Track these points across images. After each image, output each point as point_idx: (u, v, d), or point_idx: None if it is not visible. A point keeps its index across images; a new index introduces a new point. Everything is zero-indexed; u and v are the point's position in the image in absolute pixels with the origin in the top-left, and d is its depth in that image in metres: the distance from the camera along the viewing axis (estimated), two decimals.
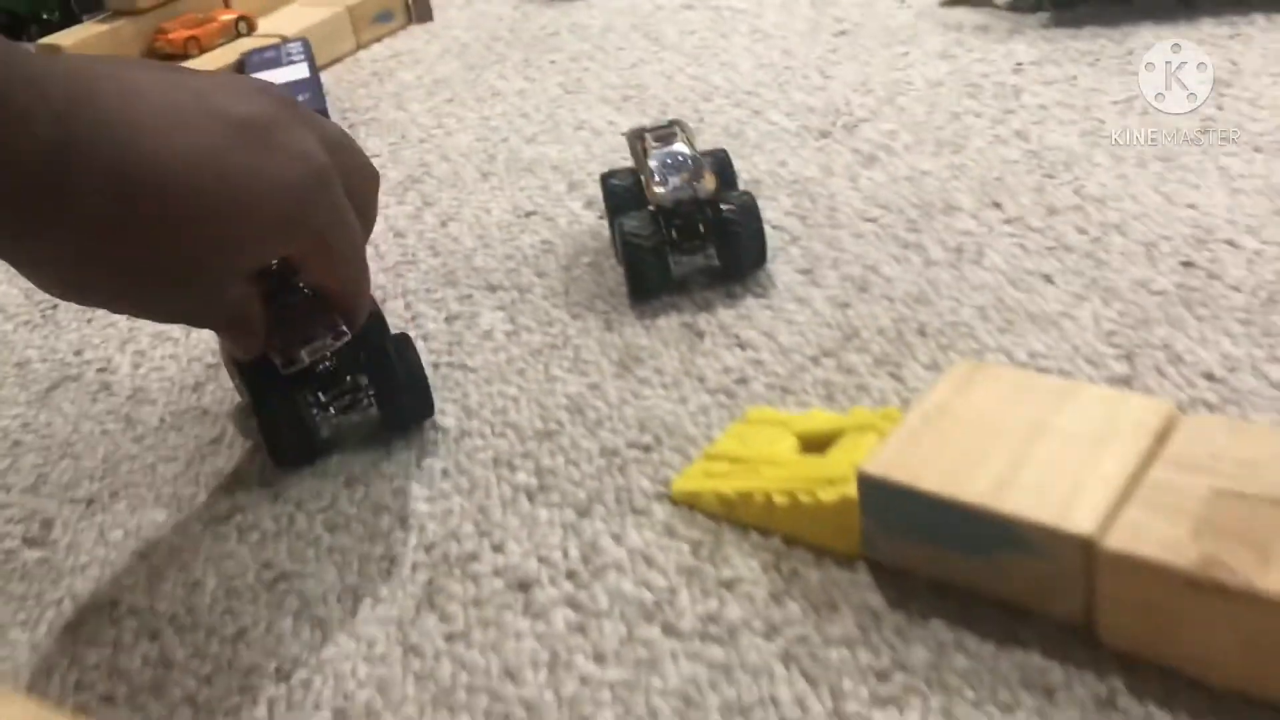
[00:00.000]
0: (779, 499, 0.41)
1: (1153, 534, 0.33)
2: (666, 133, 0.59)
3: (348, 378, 0.49)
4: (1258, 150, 0.61)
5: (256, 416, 0.49)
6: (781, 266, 0.58)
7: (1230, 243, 0.53)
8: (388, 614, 0.41)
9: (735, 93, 0.80)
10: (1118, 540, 0.33)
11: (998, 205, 0.60)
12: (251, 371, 0.48)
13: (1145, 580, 0.33)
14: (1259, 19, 0.76)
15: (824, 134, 0.72)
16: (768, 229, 0.60)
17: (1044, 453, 0.37)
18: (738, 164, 0.68)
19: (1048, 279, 0.53)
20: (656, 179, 0.56)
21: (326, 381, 0.49)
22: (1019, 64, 0.76)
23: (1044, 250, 0.55)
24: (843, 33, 0.88)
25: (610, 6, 1.04)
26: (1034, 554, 0.35)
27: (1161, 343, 0.48)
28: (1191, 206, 0.57)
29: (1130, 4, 0.81)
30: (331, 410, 0.49)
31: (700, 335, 0.54)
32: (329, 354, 0.47)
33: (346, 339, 0.46)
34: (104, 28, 0.95)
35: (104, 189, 0.37)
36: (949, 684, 0.35)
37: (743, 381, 0.50)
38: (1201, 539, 0.33)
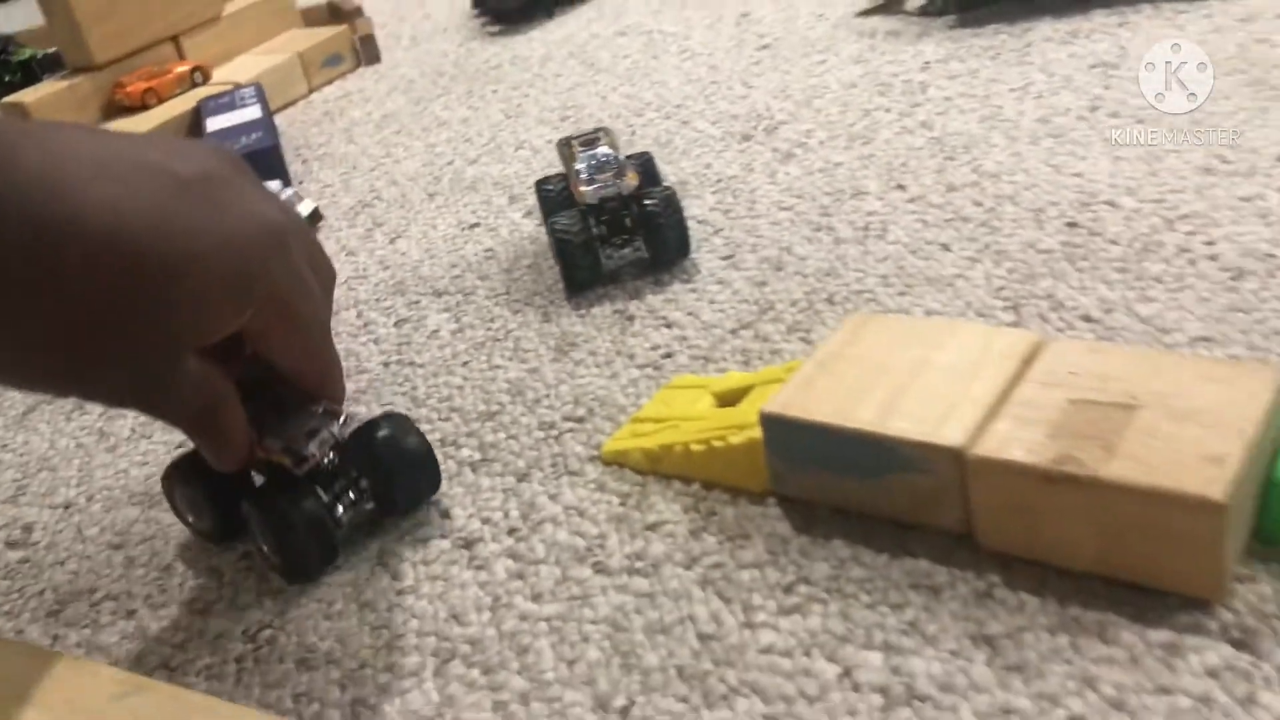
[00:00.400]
0: (696, 447, 0.45)
1: (1014, 441, 0.37)
2: (591, 138, 0.63)
3: (352, 472, 0.45)
4: (1140, 122, 0.65)
5: (271, 536, 0.44)
6: (706, 255, 0.63)
7: (1111, 203, 0.58)
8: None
9: (665, 106, 0.85)
10: (983, 448, 0.37)
11: (902, 187, 0.65)
12: (235, 490, 0.44)
13: (1009, 482, 0.37)
14: (1145, 8, 0.81)
15: (746, 137, 0.76)
16: (693, 223, 0.65)
17: (924, 383, 0.41)
18: (666, 169, 0.73)
19: (945, 247, 0.58)
20: (583, 179, 0.60)
21: (328, 479, 0.44)
22: (926, 62, 0.81)
23: (942, 222, 0.60)
24: (765, 47, 0.93)
25: (549, 38, 1.09)
26: (916, 470, 0.39)
27: (1045, 293, 0.52)
28: (1078, 175, 0.61)
29: (1031, 2, 0.86)
30: (340, 510, 0.44)
31: (630, 319, 0.58)
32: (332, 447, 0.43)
33: (348, 424, 0.43)
34: (63, 84, 0.99)
35: (25, 248, 0.33)
36: (846, 591, 0.39)
37: (669, 355, 0.54)
38: (1056, 441, 0.37)
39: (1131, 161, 0.61)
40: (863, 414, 0.40)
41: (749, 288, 0.58)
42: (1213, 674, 0.33)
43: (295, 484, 0.43)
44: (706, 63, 0.92)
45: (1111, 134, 0.65)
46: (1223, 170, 0.59)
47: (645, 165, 0.65)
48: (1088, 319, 0.50)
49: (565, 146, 0.64)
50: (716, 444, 0.44)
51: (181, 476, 0.47)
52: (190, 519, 0.48)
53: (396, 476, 0.45)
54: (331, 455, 0.43)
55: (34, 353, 0.36)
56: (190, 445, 0.43)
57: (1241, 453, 0.34)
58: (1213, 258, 0.52)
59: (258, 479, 0.45)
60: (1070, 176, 0.61)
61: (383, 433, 0.45)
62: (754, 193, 0.68)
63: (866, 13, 0.94)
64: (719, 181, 0.71)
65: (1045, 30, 0.82)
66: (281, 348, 0.41)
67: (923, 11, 0.91)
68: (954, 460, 0.38)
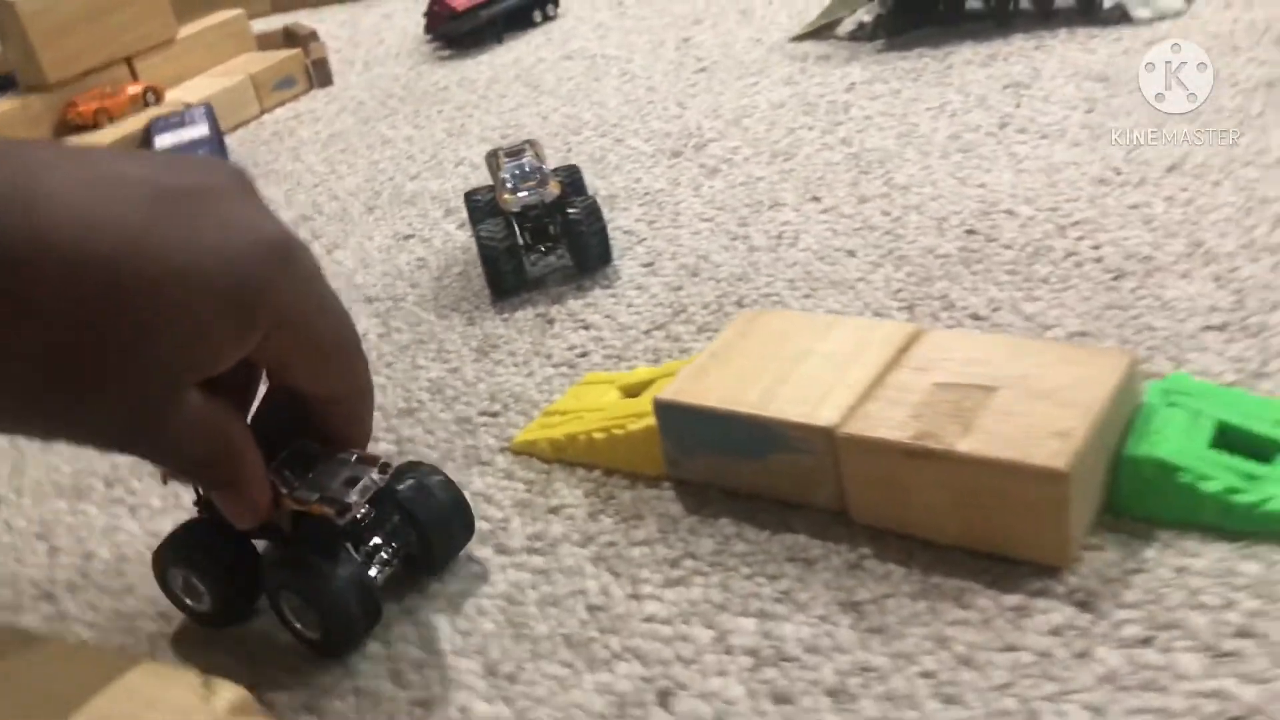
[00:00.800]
0: (597, 436, 0.47)
1: (880, 420, 0.40)
2: (518, 149, 0.65)
3: (389, 525, 0.41)
4: (1044, 137, 0.69)
5: (311, 604, 0.39)
6: (628, 263, 0.65)
7: (1009, 211, 0.61)
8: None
9: (602, 125, 0.88)
10: (852, 427, 0.40)
11: (817, 199, 0.67)
12: (241, 565, 0.41)
13: (876, 458, 0.39)
14: (1062, 33, 0.84)
15: (676, 154, 0.79)
16: (619, 233, 0.68)
17: (806, 371, 0.44)
18: (598, 183, 0.75)
19: (851, 253, 0.60)
20: (508, 188, 0.63)
21: (358, 535, 0.40)
22: (852, 84, 0.84)
23: (851, 231, 0.63)
24: (702, 70, 0.96)
25: (497, 62, 1.12)
26: (795, 450, 0.41)
27: (940, 294, 0.55)
28: (981, 186, 0.64)
29: (955, 26, 0.90)
30: (375, 570, 0.40)
31: (551, 322, 0.60)
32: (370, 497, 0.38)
33: (390, 470, 0.39)
34: (16, 103, 1.01)
35: None
36: (728, 565, 0.41)
37: (584, 355, 0.57)
38: (919, 419, 0.39)
39: (1033, 173, 0.64)
40: (747, 399, 0.43)
41: (665, 292, 0.61)
42: (1055, 632, 0.35)
43: (329, 543, 0.38)
44: (645, 84, 0.95)
45: (1016, 149, 0.68)
46: (1116, 181, 0.62)
47: (572, 177, 0.68)
48: (976, 316, 0.52)
49: (493, 158, 0.66)
50: (616, 432, 0.47)
51: (175, 555, 0.42)
52: (189, 603, 0.42)
53: (434, 531, 0.42)
54: (367, 508, 0.39)
55: (10, 389, 0.31)
56: (181, 521, 0.42)
57: (1087, 428, 0.37)
58: (1097, 260, 0.54)
59: (260, 545, 0.42)
60: (974, 188, 0.64)
61: (413, 483, 0.42)
62: (679, 205, 0.71)
63: (800, 38, 0.97)
64: (646, 195, 0.73)
65: (966, 54, 0.85)
66: (307, 374, 0.36)
67: (853, 37, 0.94)
68: (827, 439, 0.40)
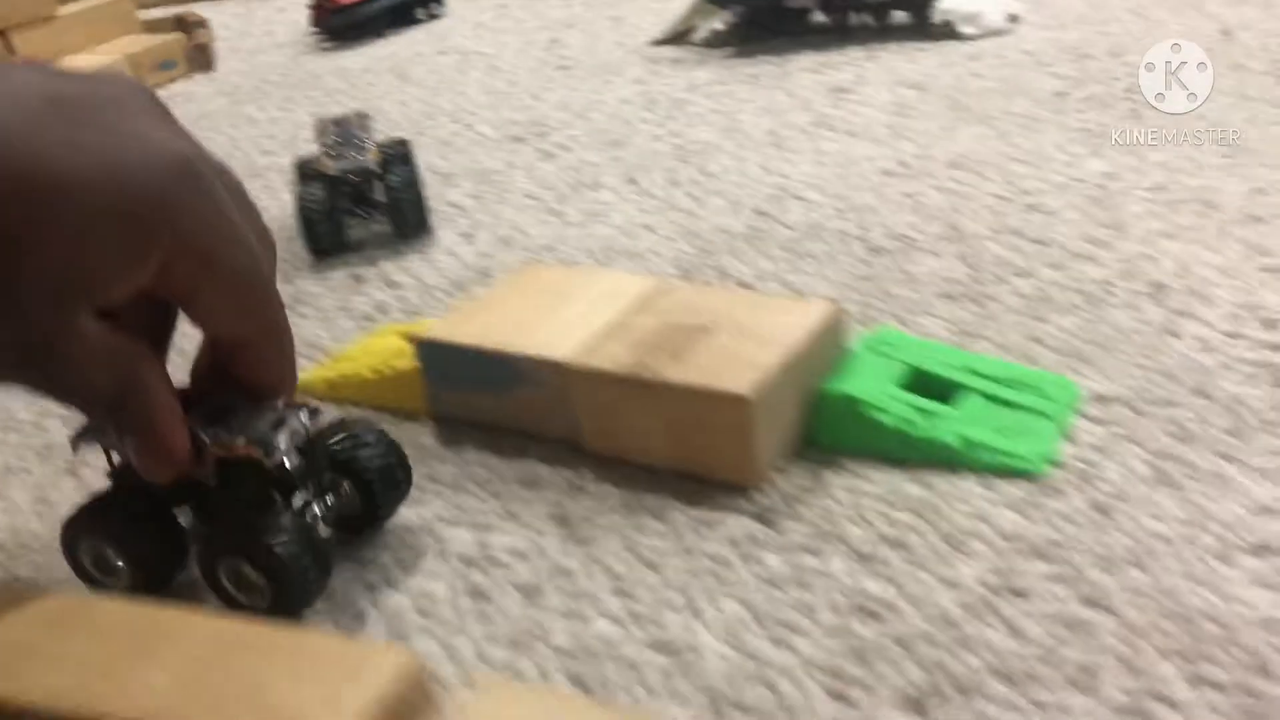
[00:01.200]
0: (368, 375, 0.50)
1: (605, 354, 0.43)
2: (343, 119, 0.68)
3: (325, 475, 0.38)
4: (851, 135, 0.73)
5: (255, 561, 0.35)
6: (447, 232, 0.68)
7: (799, 197, 0.65)
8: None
9: (458, 113, 0.91)
10: (579, 360, 0.43)
11: (635, 182, 0.71)
12: (161, 528, 0.38)
13: (597, 387, 0.43)
14: (892, 45, 0.89)
15: (518, 140, 0.82)
16: (448, 207, 0.71)
17: (557, 316, 0.47)
18: (440, 162, 0.79)
19: (650, 229, 0.64)
20: (329, 154, 0.65)
21: (290, 485, 0.37)
22: (695, 84, 0.89)
23: (656, 210, 0.66)
24: (563, 68, 1.00)
25: (375, 54, 1.15)
26: (534, 385, 0.45)
27: (717, 266, 0.58)
28: (783, 175, 0.68)
29: (800, 38, 0.94)
30: (321, 520, 0.37)
31: (361, 280, 0.63)
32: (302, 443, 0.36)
33: (319, 414, 0.37)
34: None
35: None
36: (465, 487, 0.44)
37: (384, 311, 0.59)
38: (636, 353, 0.43)
39: (830, 166, 0.69)
40: (496, 337, 0.46)
41: (476, 258, 0.64)
42: (733, 542, 0.39)
43: (263, 497, 0.36)
44: (507, 79, 0.99)
45: (823, 145, 0.72)
46: (901, 173, 0.66)
47: (399, 150, 0.71)
48: (742, 284, 0.56)
49: (320, 126, 0.69)
50: (384, 371, 0.50)
51: (87, 526, 0.38)
52: (101, 575, 0.38)
53: (375, 482, 0.39)
54: (298, 456, 0.36)
55: None
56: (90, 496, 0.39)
57: (777, 361, 0.41)
58: (863, 240, 0.58)
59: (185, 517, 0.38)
60: (776, 176, 0.68)
61: (346, 437, 0.39)
62: (509, 184, 0.74)
63: (659, 43, 1.01)
64: (481, 174, 0.77)
65: (804, 62, 0.90)
66: (214, 310, 0.33)
67: (707, 44, 0.98)
68: (559, 373, 0.43)
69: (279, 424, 0.35)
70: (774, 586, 0.36)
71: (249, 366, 0.35)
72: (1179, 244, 0.53)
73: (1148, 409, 0.42)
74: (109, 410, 0.32)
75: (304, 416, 0.36)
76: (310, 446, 0.37)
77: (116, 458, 0.38)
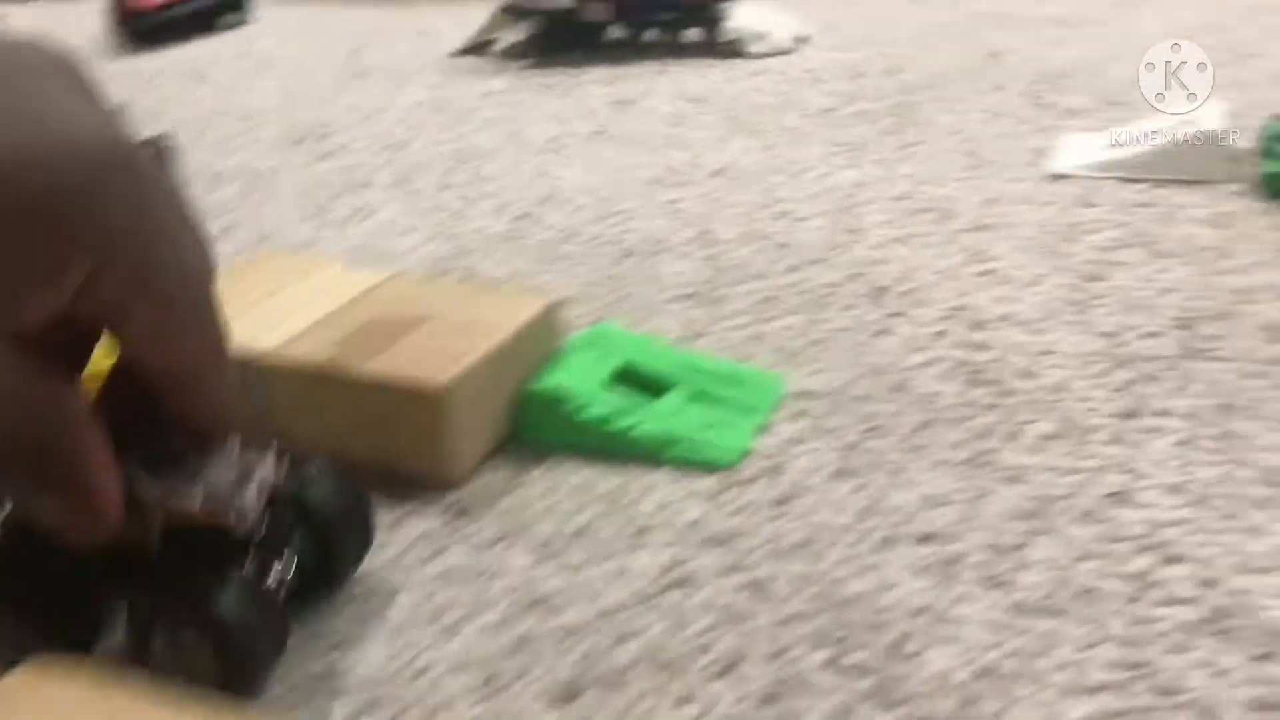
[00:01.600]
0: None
1: (307, 347, 0.42)
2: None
3: (287, 532, 0.32)
4: (628, 143, 0.73)
5: (205, 639, 0.29)
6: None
7: (566, 201, 0.65)
8: None
9: (246, 113, 0.88)
10: (275, 352, 0.41)
11: (406, 183, 0.70)
12: (75, 597, 0.30)
13: (294, 380, 0.41)
14: (687, 62, 0.91)
15: (298, 141, 0.80)
16: (213, 207, 0.68)
17: (272, 306, 0.45)
18: (215, 161, 0.76)
19: (412, 229, 0.63)
20: None
21: (244, 546, 0.30)
22: (488, 93, 0.88)
23: (421, 211, 0.65)
24: (361, 74, 0.98)
25: (176, 57, 1.12)
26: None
27: (466, 266, 0.58)
28: (557, 180, 0.68)
29: (597, 51, 0.95)
30: (280, 588, 0.31)
31: None
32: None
33: (283, 465, 0.30)
34: None
35: None
36: None
37: None
38: (338, 347, 0.41)
39: (602, 173, 0.69)
40: None
41: (230, 254, 0.62)
42: (425, 536, 0.38)
43: (215, 558, 0.29)
44: (305, 83, 0.97)
45: (600, 154, 0.72)
46: (668, 181, 0.66)
47: (161, 146, 0.68)
48: (490, 283, 0.55)
49: None
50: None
51: None
52: None
53: (336, 538, 0.33)
54: (268, 515, 0.30)
55: None
56: None
57: (480, 353, 0.40)
58: (618, 243, 0.59)
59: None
60: (550, 180, 0.68)
61: (313, 481, 0.33)
62: (278, 182, 0.72)
63: (460, 53, 1.01)
64: (252, 173, 0.74)
65: (598, 75, 0.90)
66: (148, 335, 0.26)
67: (507, 55, 0.98)
68: (259, 365, 0.42)
69: (245, 477, 0.28)
70: (447, 582, 0.35)
71: (186, 399, 0.28)
72: (908, 249, 0.55)
73: (847, 404, 0.42)
74: (20, 461, 0.25)
75: (270, 465, 0.29)
76: (273, 499, 0.30)
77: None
